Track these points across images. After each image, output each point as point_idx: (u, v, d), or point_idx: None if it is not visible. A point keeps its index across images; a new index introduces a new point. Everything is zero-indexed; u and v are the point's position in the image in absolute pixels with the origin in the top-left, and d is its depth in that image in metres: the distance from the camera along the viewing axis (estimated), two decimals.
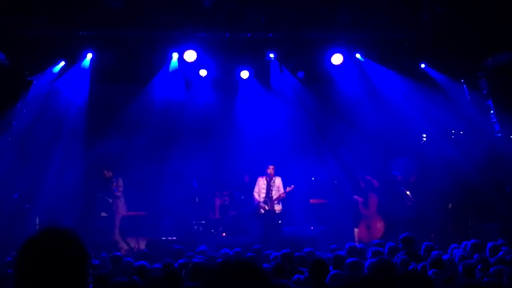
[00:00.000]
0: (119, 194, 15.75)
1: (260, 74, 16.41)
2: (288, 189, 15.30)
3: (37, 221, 14.42)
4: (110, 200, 15.62)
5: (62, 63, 15.04)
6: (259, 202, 15.39)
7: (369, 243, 12.61)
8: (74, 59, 15.01)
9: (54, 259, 2.30)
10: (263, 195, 15.43)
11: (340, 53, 15.38)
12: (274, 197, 15.32)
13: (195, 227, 16.19)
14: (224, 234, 15.98)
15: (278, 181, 15.48)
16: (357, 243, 13.08)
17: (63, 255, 2.32)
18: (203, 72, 15.89)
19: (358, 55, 15.63)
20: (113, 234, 15.44)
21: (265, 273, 2.49)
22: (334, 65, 15.70)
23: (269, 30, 14.61)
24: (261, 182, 15.57)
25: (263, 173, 15.58)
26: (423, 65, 15.84)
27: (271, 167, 15.51)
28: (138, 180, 16.44)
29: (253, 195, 15.66)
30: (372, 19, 13.94)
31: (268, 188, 15.41)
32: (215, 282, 2.44)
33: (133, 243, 15.13)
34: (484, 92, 15.20)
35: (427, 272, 7.58)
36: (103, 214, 15.74)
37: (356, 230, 15.71)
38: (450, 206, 15.73)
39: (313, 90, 16.98)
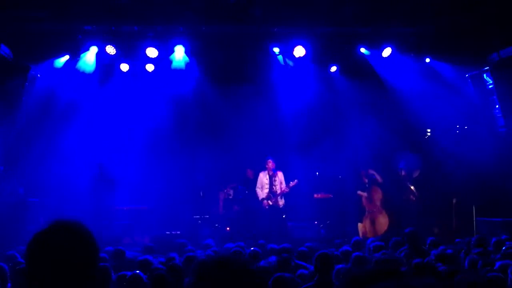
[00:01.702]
0: None
1: (265, 68, 16.33)
2: (291, 183, 15.25)
3: (41, 216, 14.42)
4: None
5: (67, 57, 15.03)
6: (263, 198, 15.37)
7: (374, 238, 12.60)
8: (78, 53, 14.99)
9: (65, 252, 2.31)
10: (266, 190, 15.40)
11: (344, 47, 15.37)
12: (278, 191, 15.31)
13: (199, 221, 16.19)
14: (228, 228, 15.97)
15: (280, 175, 15.46)
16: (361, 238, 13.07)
17: (74, 248, 2.33)
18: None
19: (363, 49, 15.57)
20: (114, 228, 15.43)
21: (255, 271, 2.47)
22: (339, 60, 15.68)
23: (273, 25, 14.57)
24: (263, 177, 15.54)
25: (265, 168, 15.55)
26: (428, 60, 15.79)
27: (270, 161, 15.47)
28: (143, 174, 16.45)
29: (256, 190, 15.65)
30: (376, 13, 13.89)
31: (271, 183, 15.39)
32: (206, 280, 2.42)
33: (137, 237, 15.12)
34: (489, 87, 15.17)
35: (432, 267, 7.56)
36: None
37: (360, 225, 15.68)
38: (454, 201, 15.70)
39: (317, 86, 16.92)
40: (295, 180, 15.29)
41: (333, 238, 13.16)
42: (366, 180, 15.88)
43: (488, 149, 14.79)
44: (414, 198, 16.05)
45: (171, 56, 15.45)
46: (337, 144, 16.74)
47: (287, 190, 15.32)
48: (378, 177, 15.81)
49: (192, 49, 15.09)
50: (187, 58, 15.47)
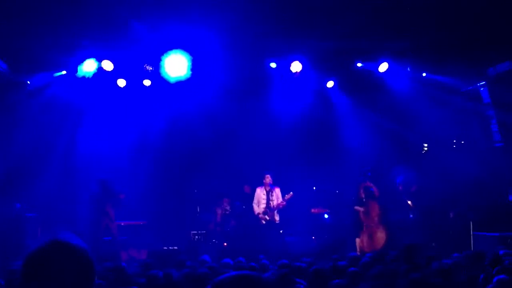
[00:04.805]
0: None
1: (263, 82, 16.32)
2: (287, 196, 15.18)
3: (39, 231, 14.37)
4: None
5: (63, 72, 14.99)
6: (259, 213, 15.30)
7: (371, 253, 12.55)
8: (75, 68, 14.93)
9: (60, 269, 2.29)
10: (263, 205, 15.33)
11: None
12: (275, 207, 15.25)
13: (197, 236, 16.13)
14: (225, 244, 15.92)
15: (277, 191, 15.42)
16: (359, 253, 13.04)
17: (69, 265, 2.31)
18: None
19: (359, 64, 15.59)
20: (114, 244, 15.28)
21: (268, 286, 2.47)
22: (336, 75, 15.68)
23: (270, 37, 14.56)
24: (261, 193, 15.48)
25: (262, 183, 15.50)
26: (424, 74, 15.84)
27: (267, 176, 15.41)
28: (140, 189, 16.40)
29: (252, 206, 15.60)
30: (372, 27, 13.91)
31: (268, 198, 15.32)
32: None
33: (134, 253, 15.06)
34: (485, 101, 15.21)
35: (429, 281, 7.54)
36: None
37: (357, 240, 15.62)
38: (451, 215, 15.68)
39: (315, 99, 16.94)
40: (290, 193, 15.21)
41: (330, 253, 13.07)
42: (363, 195, 15.83)
43: (484, 164, 14.80)
44: (411, 213, 16.03)
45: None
46: (334, 159, 16.76)
47: (284, 203, 15.27)
48: (375, 190, 15.73)
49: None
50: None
